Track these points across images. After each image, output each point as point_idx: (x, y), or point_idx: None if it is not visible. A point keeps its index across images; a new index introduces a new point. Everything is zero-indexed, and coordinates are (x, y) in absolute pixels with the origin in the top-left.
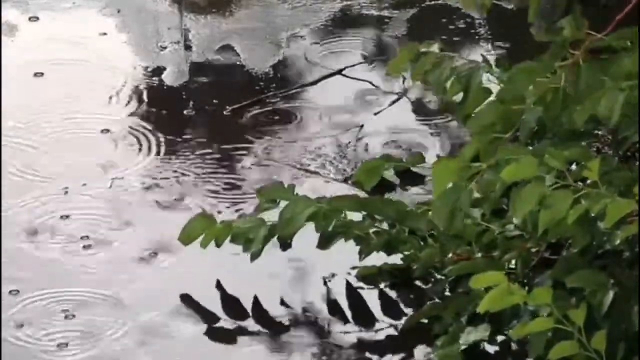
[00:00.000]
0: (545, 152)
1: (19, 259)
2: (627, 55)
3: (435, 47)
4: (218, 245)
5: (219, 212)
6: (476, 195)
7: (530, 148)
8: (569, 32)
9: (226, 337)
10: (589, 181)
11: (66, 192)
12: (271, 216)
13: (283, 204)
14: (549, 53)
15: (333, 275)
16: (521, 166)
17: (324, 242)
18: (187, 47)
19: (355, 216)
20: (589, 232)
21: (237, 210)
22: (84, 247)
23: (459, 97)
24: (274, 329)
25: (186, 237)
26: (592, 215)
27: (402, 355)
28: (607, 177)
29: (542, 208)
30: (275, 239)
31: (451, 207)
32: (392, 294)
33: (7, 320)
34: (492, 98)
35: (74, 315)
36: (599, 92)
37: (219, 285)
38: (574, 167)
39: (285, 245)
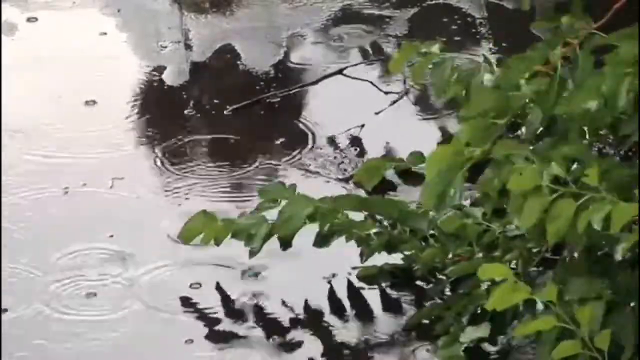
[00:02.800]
0: (547, 154)
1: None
2: (626, 43)
3: (436, 47)
4: (217, 243)
5: (220, 212)
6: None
7: (531, 148)
8: (567, 20)
9: (226, 337)
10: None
11: (66, 192)
12: (272, 215)
13: (284, 203)
14: (546, 41)
15: (334, 275)
16: (524, 177)
17: (321, 241)
18: (188, 47)
19: (356, 216)
20: (589, 236)
21: (238, 210)
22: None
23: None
24: (274, 329)
25: (187, 235)
26: (594, 222)
27: (403, 355)
28: (607, 175)
29: (547, 219)
30: (275, 238)
31: (441, 190)
32: (393, 294)
33: None
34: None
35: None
36: (598, 76)
37: (219, 286)
38: (575, 166)
39: (285, 244)
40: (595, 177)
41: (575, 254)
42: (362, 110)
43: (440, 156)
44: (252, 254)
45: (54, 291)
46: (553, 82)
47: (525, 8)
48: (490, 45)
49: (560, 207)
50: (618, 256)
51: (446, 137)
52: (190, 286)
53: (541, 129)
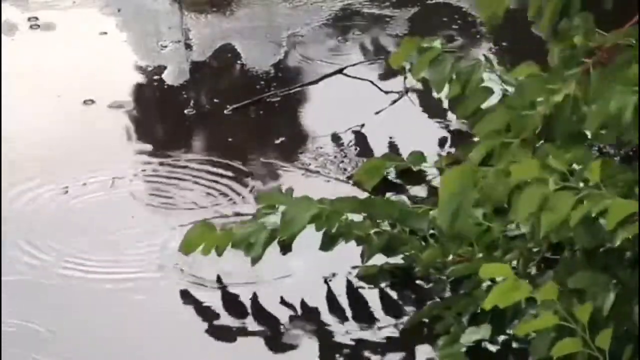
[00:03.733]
0: (549, 152)
1: None
2: (635, 61)
3: (437, 43)
4: (219, 254)
5: (219, 211)
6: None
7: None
8: (579, 40)
9: (226, 337)
10: (591, 183)
11: (66, 192)
12: (270, 221)
13: (282, 209)
14: (559, 62)
15: (334, 274)
16: (523, 167)
17: (327, 244)
18: (188, 46)
19: (356, 216)
20: (590, 233)
21: (237, 209)
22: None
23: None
24: (274, 329)
25: (187, 247)
26: (594, 216)
27: (403, 355)
28: (609, 180)
29: (544, 210)
30: (275, 242)
31: (454, 209)
32: (393, 293)
33: None
34: (494, 98)
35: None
36: (608, 95)
37: (218, 286)
38: (576, 167)
39: (285, 248)
40: (596, 172)
41: (576, 252)
42: (362, 110)
43: (454, 177)
44: (254, 261)
45: (52, 290)
46: (567, 102)
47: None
48: (490, 45)
49: (558, 200)
50: (616, 242)
51: (447, 143)
52: (190, 286)
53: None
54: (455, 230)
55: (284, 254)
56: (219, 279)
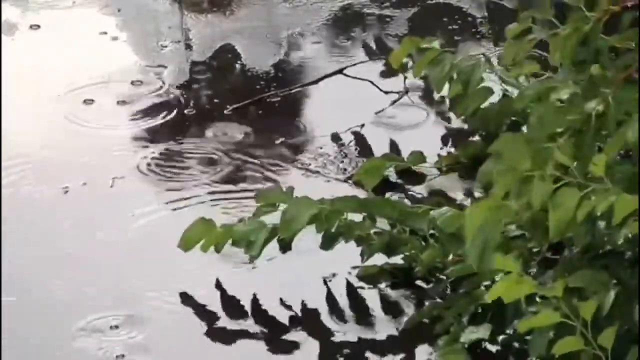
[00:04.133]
0: (556, 145)
1: None
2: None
3: (436, 43)
4: (218, 250)
5: (219, 211)
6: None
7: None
8: (597, 70)
9: (226, 337)
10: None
11: (66, 192)
12: (270, 220)
13: (282, 207)
14: (580, 92)
15: (334, 275)
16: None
17: (327, 243)
18: (188, 46)
19: (356, 216)
20: (591, 231)
21: (237, 209)
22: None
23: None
24: (274, 329)
25: (186, 243)
26: (597, 212)
27: (403, 355)
28: (610, 171)
29: (550, 207)
30: (275, 240)
31: (481, 247)
32: (393, 294)
33: None
34: (494, 97)
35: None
36: (625, 124)
37: (218, 286)
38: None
39: (285, 247)
40: (602, 166)
41: (575, 250)
42: (362, 110)
43: (478, 213)
44: (252, 259)
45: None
46: (588, 131)
47: None
48: (491, 45)
49: (563, 196)
50: (619, 241)
51: (448, 142)
52: (188, 285)
53: None
54: (484, 267)
55: (283, 252)
56: (218, 281)
